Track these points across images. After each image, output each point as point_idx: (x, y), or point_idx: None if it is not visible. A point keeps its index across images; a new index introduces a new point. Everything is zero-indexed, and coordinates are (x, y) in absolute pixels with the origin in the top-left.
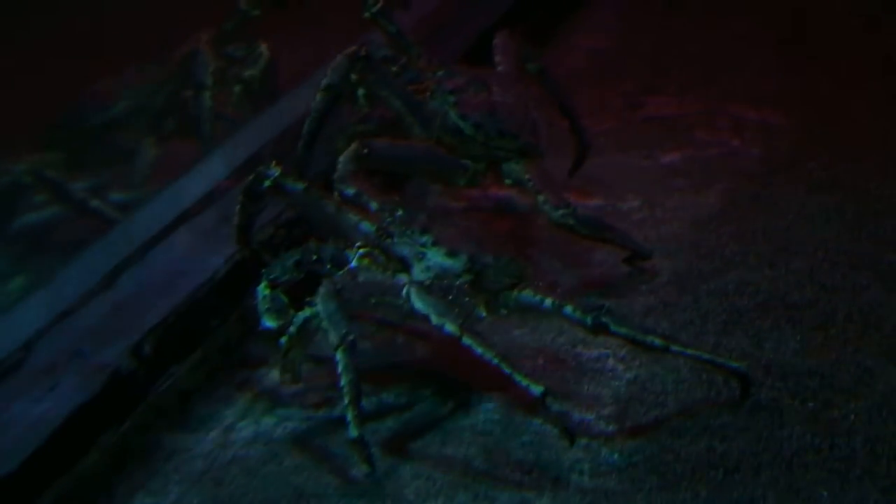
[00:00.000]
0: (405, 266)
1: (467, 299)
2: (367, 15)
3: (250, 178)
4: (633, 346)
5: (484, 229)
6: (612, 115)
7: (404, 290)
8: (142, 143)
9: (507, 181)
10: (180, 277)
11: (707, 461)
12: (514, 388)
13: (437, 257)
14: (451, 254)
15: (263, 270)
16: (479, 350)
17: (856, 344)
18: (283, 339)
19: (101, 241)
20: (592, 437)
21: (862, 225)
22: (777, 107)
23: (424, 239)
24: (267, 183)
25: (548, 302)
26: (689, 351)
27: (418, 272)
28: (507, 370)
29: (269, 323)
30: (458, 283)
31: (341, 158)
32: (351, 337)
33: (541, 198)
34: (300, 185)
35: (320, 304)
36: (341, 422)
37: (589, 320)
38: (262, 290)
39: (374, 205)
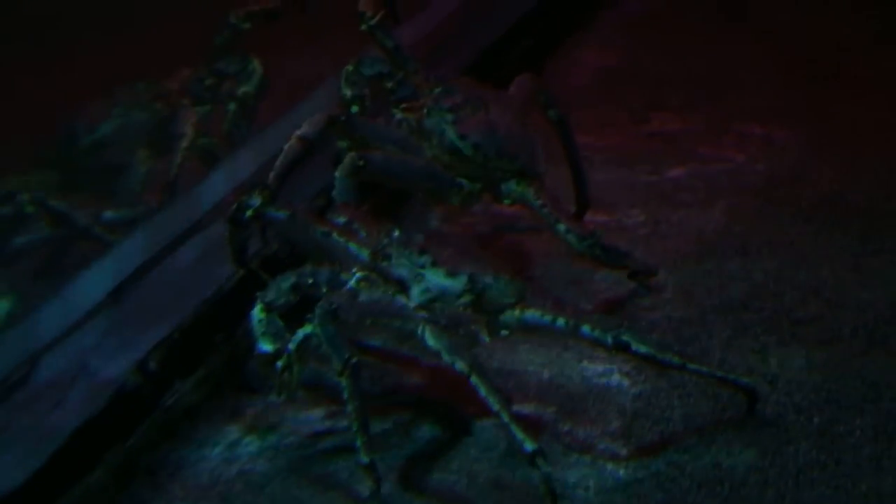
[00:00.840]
0: (403, 288)
1: (472, 327)
2: (363, 28)
3: (233, 207)
4: (650, 365)
5: (482, 248)
6: (618, 130)
7: (419, 329)
8: (134, 159)
9: (507, 201)
10: (186, 293)
11: (713, 477)
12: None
13: (436, 278)
14: (451, 274)
15: (258, 294)
16: (483, 392)
17: (861, 359)
18: (280, 362)
19: (108, 255)
20: (598, 452)
21: (867, 240)
22: (782, 122)
23: (422, 260)
24: (249, 213)
25: (561, 321)
26: (706, 369)
27: (417, 294)
28: (506, 419)
29: (266, 346)
30: (464, 311)
31: (338, 174)
32: (354, 360)
33: (562, 227)
34: (284, 213)
35: (318, 328)
36: (346, 437)
37: (609, 339)
38: (258, 313)
39: (363, 233)
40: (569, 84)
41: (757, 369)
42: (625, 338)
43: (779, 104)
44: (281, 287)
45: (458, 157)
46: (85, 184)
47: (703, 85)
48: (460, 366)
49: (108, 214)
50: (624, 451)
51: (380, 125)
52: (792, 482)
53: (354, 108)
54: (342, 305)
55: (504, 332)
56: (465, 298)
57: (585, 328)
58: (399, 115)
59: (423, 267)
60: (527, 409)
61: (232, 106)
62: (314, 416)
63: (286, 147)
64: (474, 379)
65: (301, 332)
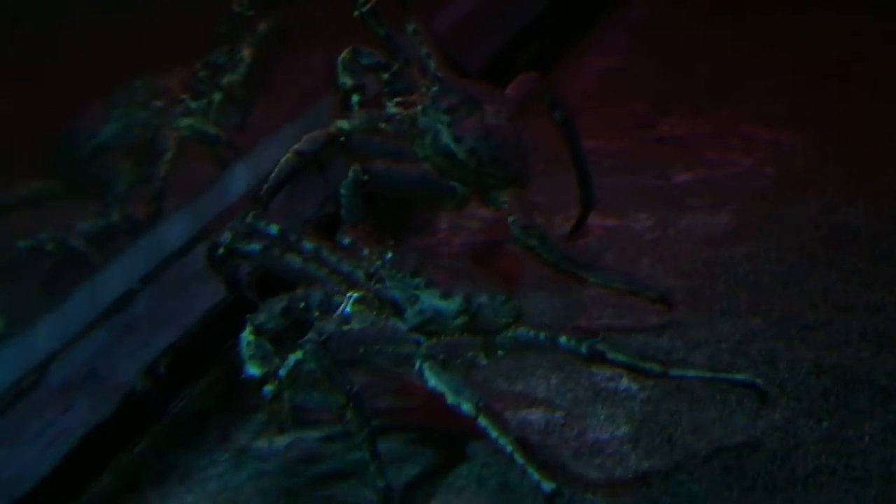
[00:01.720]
0: (398, 310)
1: (470, 353)
2: (356, 14)
3: (207, 247)
4: (631, 373)
5: (475, 267)
6: (624, 134)
7: (416, 366)
8: (116, 168)
9: (492, 207)
10: (194, 297)
11: (722, 481)
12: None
13: (430, 300)
14: (446, 295)
15: (248, 316)
16: (494, 434)
17: (871, 364)
18: (268, 387)
19: (117, 260)
20: (607, 457)
21: (876, 244)
22: (790, 126)
23: (416, 281)
24: (220, 251)
25: (542, 335)
26: (691, 373)
27: (411, 316)
28: (520, 461)
29: (253, 370)
30: (460, 337)
31: (343, 190)
32: (355, 389)
33: (511, 217)
34: (256, 246)
35: (313, 363)
36: (354, 440)
37: (584, 349)
38: (247, 336)
39: (366, 252)
40: (575, 89)
41: (766, 374)
42: (599, 347)
43: (786, 107)
44: (272, 310)
45: (451, 160)
46: (90, 192)
47: (709, 89)
48: (467, 407)
49: (82, 225)
50: (633, 456)
51: (375, 140)
52: (801, 487)
53: (356, 98)
54: (333, 335)
55: (500, 353)
56: (461, 320)
57: (562, 339)
58: (392, 110)
59: (417, 288)
60: (535, 414)
61: (217, 96)
62: (323, 419)
63: (281, 161)
64: (482, 421)
65: (293, 358)
